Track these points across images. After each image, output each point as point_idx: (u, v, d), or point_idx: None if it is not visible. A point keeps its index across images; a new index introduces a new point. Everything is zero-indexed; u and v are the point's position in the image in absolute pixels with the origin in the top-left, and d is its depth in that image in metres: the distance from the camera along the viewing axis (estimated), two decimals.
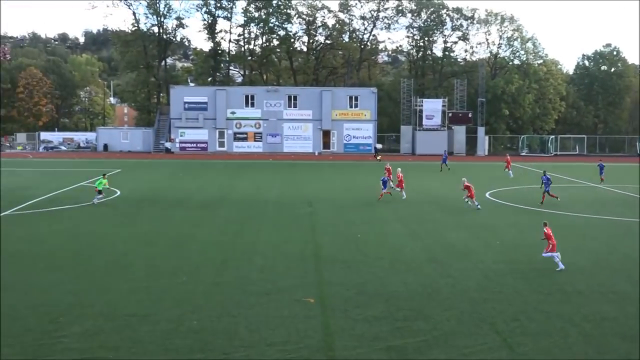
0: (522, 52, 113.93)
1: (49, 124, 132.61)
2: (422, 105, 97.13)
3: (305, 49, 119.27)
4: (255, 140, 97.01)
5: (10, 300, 20.79)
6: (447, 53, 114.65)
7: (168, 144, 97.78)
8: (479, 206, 39.99)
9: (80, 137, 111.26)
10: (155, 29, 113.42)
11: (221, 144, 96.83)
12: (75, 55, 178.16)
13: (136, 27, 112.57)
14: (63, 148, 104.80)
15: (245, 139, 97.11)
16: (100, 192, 41.52)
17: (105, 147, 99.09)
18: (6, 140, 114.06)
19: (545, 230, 25.49)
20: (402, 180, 45.36)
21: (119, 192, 47.41)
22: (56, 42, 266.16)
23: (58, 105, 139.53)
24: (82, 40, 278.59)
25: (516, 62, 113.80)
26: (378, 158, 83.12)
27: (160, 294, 21.55)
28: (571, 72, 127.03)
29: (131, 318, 19.12)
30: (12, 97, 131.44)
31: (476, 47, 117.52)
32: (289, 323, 18.78)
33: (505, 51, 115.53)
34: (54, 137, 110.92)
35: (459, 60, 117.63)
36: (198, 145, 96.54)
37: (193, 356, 16.34)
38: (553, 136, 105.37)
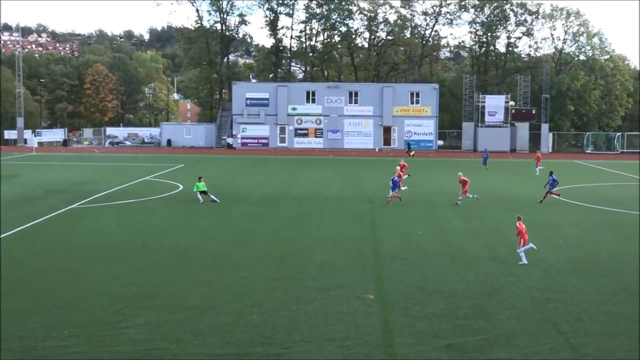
0: (588, 47, 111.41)
1: (114, 119, 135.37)
2: (484, 102, 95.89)
3: (366, 45, 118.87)
4: (315, 136, 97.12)
5: (77, 291, 21.32)
6: (510, 49, 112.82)
7: (230, 140, 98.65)
8: (477, 197, 40.29)
9: (144, 132, 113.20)
10: (218, 26, 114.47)
11: (282, 140, 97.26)
12: (140, 52, 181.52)
13: (199, 24, 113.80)
14: (128, 143, 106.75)
15: (306, 135, 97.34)
16: (205, 192, 41.10)
17: (169, 142, 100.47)
18: (74, 135, 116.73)
19: (518, 225, 25.84)
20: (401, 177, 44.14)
21: (181, 187, 48.10)
22: (122, 39, 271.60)
23: (123, 101, 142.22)
24: (146, 37, 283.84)
25: (582, 57, 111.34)
26: (411, 154, 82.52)
27: (221, 288, 21.81)
28: (639, 67, 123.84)
29: (193, 311, 19.40)
30: (79, 93, 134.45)
31: (540, 42, 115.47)
32: (348, 319, 18.80)
33: (571, 47, 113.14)
34: (119, 132, 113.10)
35: (522, 56, 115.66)
36: (259, 141, 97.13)
37: (253, 350, 16.49)
38: (619, 133, 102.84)
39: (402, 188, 43.11)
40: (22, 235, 30.74)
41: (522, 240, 25.62)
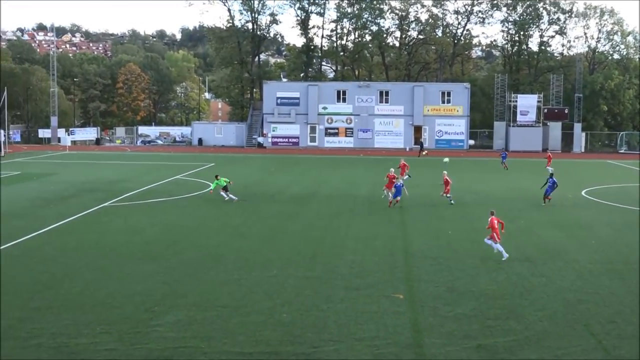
0: (622, 46, 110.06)
1: (146, 118, 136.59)
2: (516, 101, 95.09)
3: (397, 44, 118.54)
4: (346, 136, 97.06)
5: (108, 289, 21.52)
6: (543, 47, 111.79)
7: (260, 139, 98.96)
8: (452, 202, 39.65)
9: (176, 131, 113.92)
10: (250, 25, 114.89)
11: (312, 139, 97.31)
12: (172, 52, 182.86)
13: (231, 24, 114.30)
14: (159, 142, 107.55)
15: (336, 134, 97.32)
16: (225, 188, 41.22)
17: (200, 141, 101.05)
18: (106, 134, 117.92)
19: (490, 220, 26.47)
20: (393, 178, 41.39)
21: (212, 186, 48.31)
22: (154, 39, 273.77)
23: (155, 100, 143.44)
24: (179, 36, 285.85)
25: (616, 56, 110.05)
26: (424, 153, 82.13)
27: (251, 287, 21.88)
28: None
29: (223, 309, 19.49)
30: (112, 93, 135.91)
31: (574, 41, 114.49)
32: (377, 318, 18.77)
33: (605, 45, 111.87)
34: (151, 131, 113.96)
35: (555, 55, 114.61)
36: (290, 140, 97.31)
37: (282, 349, 16.53)
38: None
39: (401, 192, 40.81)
40: (55, 233, 31.11)
41: (494, 234, 26.05)
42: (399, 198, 38.17)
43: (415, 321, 18.58)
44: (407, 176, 48.70)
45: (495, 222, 26.37)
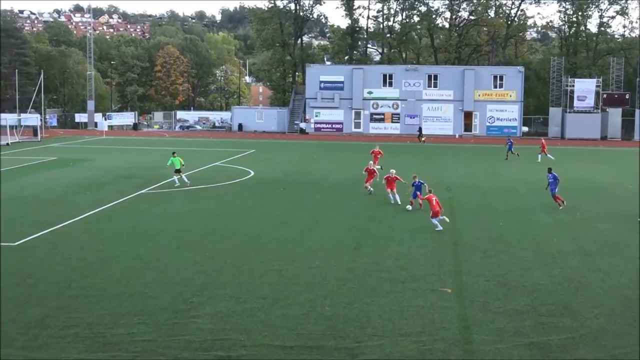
0: None
1: (184, 102, 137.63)
2: (573, 86, 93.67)
3: (447, 26, 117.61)
4: (392, 122, 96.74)
5: (146, 278, 21.79)
6: (602, 29, 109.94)
7: (302, 125, 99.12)
8: (395, 202, 36.64)
9: (215, 116, 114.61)
10: (292, 6, 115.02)
11: (357, 125, 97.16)
12: (211, 34, 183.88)
13: (273, 4, 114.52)
14: (198, 127, 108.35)
15: (382, 120, 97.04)
16: (178, 171, 41.76)
17: (240, 126, 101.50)
18: (144, 118, 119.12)
19: (428, 198, 29.60)
20: (373, 172, 40.07)
21: (252, 173, 48.64)
22: (193, 20, 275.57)
23: (194, 84, 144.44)
24: (218, 18, 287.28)
25: None
26: (422, 140, 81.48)
27: (292, 278, 21.97)
28: None
29: (263, 301, 19.60)
30: (150, 76, 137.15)
31: (636, 22, 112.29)
32: (424, 313, 18.71)
33: None
34: (190, 116, 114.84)
35: (616, 36, 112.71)
36: (333, 126, 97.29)
37: (324, 343, 16.57)
38: None
39: (369, 187, 39.38)
40: (91, 220, 31.57)
41: (432, 211, 29.20)
42: (416, 199, 34.29)
43: (464, 316, 18.49)
44: (376, 167, 45.28)
45: (434, 199, 29.34)
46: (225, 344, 16.43)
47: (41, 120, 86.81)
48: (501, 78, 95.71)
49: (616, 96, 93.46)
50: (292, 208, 35.12)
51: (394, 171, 36.88)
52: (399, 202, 35.71)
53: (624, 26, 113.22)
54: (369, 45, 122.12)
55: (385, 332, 17.27)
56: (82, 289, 20.59)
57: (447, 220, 29.85)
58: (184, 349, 16.06)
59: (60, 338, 16.67)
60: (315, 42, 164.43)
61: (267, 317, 18.30)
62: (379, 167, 45.96)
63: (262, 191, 40.59)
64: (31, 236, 27.65)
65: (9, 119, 78.63)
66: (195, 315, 18.40)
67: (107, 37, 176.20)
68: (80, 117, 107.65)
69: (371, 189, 39.16)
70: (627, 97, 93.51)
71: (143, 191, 40.11)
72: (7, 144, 70.68)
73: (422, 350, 16.20)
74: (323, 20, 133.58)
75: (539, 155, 59.20)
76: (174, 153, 42.98)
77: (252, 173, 48.83)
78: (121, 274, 22.26)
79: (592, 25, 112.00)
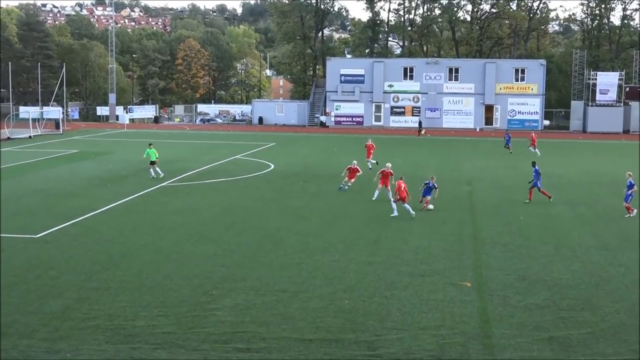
0: None
1: (205, 96, 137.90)
2: (595, 79, 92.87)
3: (468, 19, 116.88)
4: (412, 115, 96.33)
5: (166, 270, 21.92)
6: (626, 22, 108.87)
7: (323, 118, 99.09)
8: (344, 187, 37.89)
9: (235, 109, 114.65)
10: None
11: (377, 118, 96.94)
12: (232, 27, 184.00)
13: None
14: (219, 120, 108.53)
15: (402, 114, 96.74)
16: (153, 162, 42.36)
17: (260, 120, 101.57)
18: (165, 112, 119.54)
19: (397, 183, 30.29)
20: (356, 171, 38.13)
21: (272, 166, 48.72)
22: (214, 14, 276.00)
23: (215, 77, 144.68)
24: (239, 11, 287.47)
25: None
26: (422, 132, 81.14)
27: (312, 271, 22.01)
28: None
29: (282, 294, 19.66)
30: (171, 69, 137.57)
31: None
32: (443, 307, 18.70)
33: None
34: (210, 109, 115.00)
35: (639, 29, 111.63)
36: (353, 119, 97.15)
37: (344, 336, 16.60)
38: None
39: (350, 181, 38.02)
40: (112, 213, 31.79)
41: (397, 193, 30.21)
42: (428, 198, 32.73)
43: (484, 310, 18.45)
44: (371, 162, 46.12)
45: (402, 185, 30.03)
46: (244, 336, 16.50)
47: (63, 113, 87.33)
48: (523, 71, 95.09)
49: (639, 89, 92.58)
50: (311, 201, 35.18)
51: (390, 165, 36.43)
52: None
53: None
54: (389, 39, 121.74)
55: (405, 326, 17.27)
56: (103, 281, 20.75)
57: (432, 207, 31.86)
58: (204, 341, 16.16)
59: (81, 330, 16.81)
60: (336, 35, 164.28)
61: (287, 310, 18.35)
62: (375, 161, 45.87)
63: (282, 184, 40.66)
64: (53, 228, 27.90)
65: (32, 112, 79.26)
66: (215, 307, 18.49)
67: (129, 30, 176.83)
68: (101, 110, 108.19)
69: (346, 187, 38.15)
70: None
71: (164, 184, 40.30)
72: (30, 136, 71.25)
73: (441, 344, 16.19)
74: (344, 13, 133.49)
75: (530, 149, 58.78)
76: (150, 144, 43.73)
77: (272, 166, 48.91)
78: (142, 267, 22.41)
79: (615, 18, 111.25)
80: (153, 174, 42.06)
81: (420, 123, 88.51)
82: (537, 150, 58.02)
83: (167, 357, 15.23)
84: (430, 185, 32.52)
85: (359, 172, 38.20)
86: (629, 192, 31.37)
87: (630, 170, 34.50)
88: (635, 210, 31.11)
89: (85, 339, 16.27)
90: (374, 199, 35.11)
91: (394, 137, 79.30)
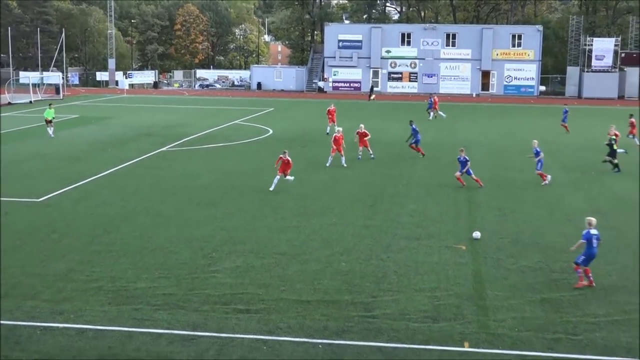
0: None
1: (204, 61, 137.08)
2: (591, 45, 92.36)
3: None
4: (410, 81, 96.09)
5: (167, 234, 22.06)
6: None
7: (321, 83, 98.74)
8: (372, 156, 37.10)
9: (234, 75, 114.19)
10: None
11: (375, 84, 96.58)
12: None
13: None
14: (217, 86, 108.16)
15: (399, 79, 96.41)
16: (50, 121, 44.56)
17: (259, 85, 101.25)
18: (164, 77, 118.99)
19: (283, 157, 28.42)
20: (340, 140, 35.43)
21: (271, 131, 48.71)
22: None
23: (213, 43, 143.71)
24: None
25: None
26: (372, 98, 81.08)
27: (310, 234, 22.16)
28: None
29: (281, 257, 19.81)
30: (170, 35, 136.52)
31: None
32: (438, 269, 18.87)
33: None
34: (209, 74, 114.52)
35: None
36: (351, 85, 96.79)
37: (341, 297, 16.78)
38: None
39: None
40: (113, 177, 31.86)
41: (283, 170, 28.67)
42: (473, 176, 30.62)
43: (478, 273, 18.62)
44: (335, 126, 44.07)
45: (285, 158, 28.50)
46: (244, 297, 16.67)
47: (63, 78, 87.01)
48: (519, 37, 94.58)
49: (634, 55, 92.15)
50: (310, 166, 35.21)
51: (363, 126, 37.08)
52: (373, 157, 36.48)
53: None
54: (387, 4, 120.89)
55: (400, 288, 17.44)
56: (105, 244, 20.89)
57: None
58: (204, 303, 16.33)
59: (84, 291, 16.98)
60: (334, 1, 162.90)
61: (285, 272, 18.51)
62: (339, 128, 44.54)
63: (280, 149, 40.48)
64: (55, 192, 28.00)
65: (32, 77, 78.88)
66: (214, 270, 18.65)
67: None
68: (101, 76, 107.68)
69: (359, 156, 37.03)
70: None
71: (163, 149, 40.33)
72: (30, 101, 71.02)
73: (436, 305, 16.38)
74: None
75: (432, 112, 59.47)
76: (50, 105, 46.27)
77: (271, 131, 48.89)
78: (143, 230, 22.55)
79: None
80: (51, 133, 44.42)
81: (372, 88, 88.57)
82: (441, 113, 59.77)
83: (168, 318, 15.41)
84: (462, 159, 30.58)
85: (367, 135, 37.17)
86: (537, 159, 31.25)
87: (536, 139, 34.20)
88: (549, 177, 31.02)
89: (88, 300, 16.44)
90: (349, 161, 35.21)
91: (391, 103, 79.16)
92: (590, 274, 17.72)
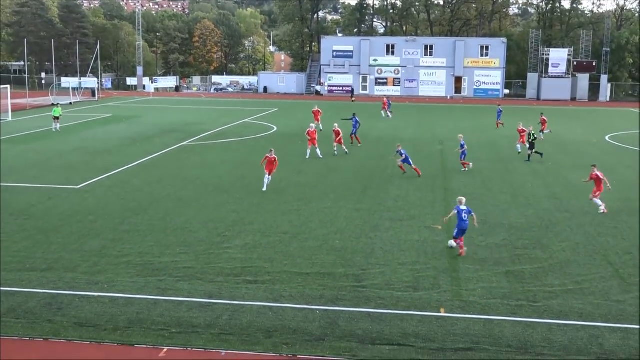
0: None
1: (218, 68, 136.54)
2: (548, 54, 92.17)
3: (442, 3, 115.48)
4: (394, 85, 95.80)
5: (186, 216, 21.97)
6: (575, 5, 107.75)
7: (318, 87, 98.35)
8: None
9: (244, 80, 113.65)
10: None
11: (364, 88, 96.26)
12: (241, 9, 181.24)
13: None
14: (230, 89, 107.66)
15: (385, 84, 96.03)
16: (57, 118, 45.23)
17: (265, 89, 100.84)
18: (184, 82, 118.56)
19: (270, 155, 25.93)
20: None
21: (275, 128, 48.50)
22: None
23: (226, 53, 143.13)
24: None
25: None
26: (352, 99, 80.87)
27: (308, 216, 22.08)
28: None
29: (284, 235, 19.74)
30: (189, 46, 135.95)
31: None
32: (418, 246, 18.81)
33: (633, 3, 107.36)
34: (223, 80, 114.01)
35: (586, 12, 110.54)
36: (344, 88, 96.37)
37: (335, 270, 16.72)
38: None
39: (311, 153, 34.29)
40: (141, 167, 31.73)
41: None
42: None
43: (452, 249, 18.55)
44: (319, 124, 43.80)
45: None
46: (252, 270, 16.61)
47: (98, 83, 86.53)
48: (487, 48, 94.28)
49: (585, 63, 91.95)
50: (308, 158, 35.04)
51: (337, 124, 36.88)
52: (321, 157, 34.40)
53: (593, 3, 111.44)
54: (374, 20, 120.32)
55: (386, 262, 17.39)
56: (134, 224, 20.80)
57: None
58: (219, 274, 16.26)
59: (116, 265, 16.91)
60: (329, 17, 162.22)
61: (287, 249, 18.44)
62: (320, 128, 44.00)
63: (283, 143, 40.51)
64: (91, 180, 27.88)
65: (72, 82, 78.46)
66: (227, 246, 18.57)
67: (153, 12, 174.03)
68: (130, 81, 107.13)
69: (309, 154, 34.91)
70: (594, 64, 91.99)
71: (184, 143, 40.15)
72: (70, 103, 70.66)
73: (416, 277, 16.32)
74: None
75: (382, 112, 59.06)
76: (57, 104, 48.14)
77: (275, 128, 48.70)
78: (166, 212, 22.45)
79: (566, 2, 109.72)
80: (57, 127, 45.05)
81: (352, 90, 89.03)
82: (389, 113, 58.81)
83: (188, 288, 15.35)
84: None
85: (340, 134, 36.15)
86: (462, 150, 31.54)
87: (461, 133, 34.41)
88: (471, 164, 31.40)
89: (119, 272, 16.37)
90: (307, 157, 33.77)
91: (377, 105, 78.97)
92: (462, 243, 18.14)
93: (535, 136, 35.39)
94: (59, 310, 14.01)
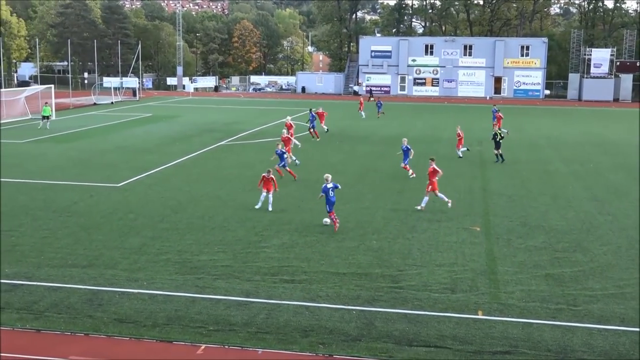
0: None
1: (257, 68, 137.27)
2: (590, 55, 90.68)
3: (481, 2, 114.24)
4: (432, 85, 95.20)
5: (225, 215, 22.12)
6: (618, 4, 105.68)
7: (356, 87, 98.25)
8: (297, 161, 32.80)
9: (282, 80, 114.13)
10: None
11: (402, 88, 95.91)
12: (280, 10, 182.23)
13: None
14: (268, 89, 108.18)
15: (423, 84, 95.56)
16: (47, 117, 45.97)
17: (303, 89, 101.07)
18: (223, 82, 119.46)
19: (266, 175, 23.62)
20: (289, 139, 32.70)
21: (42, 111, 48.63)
22: None
23: (265, 53, 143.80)
24: None
25: None
26: (372, 99, 79.81)
27: (346, 216, 22.03)
28: None
29: (321, 235, 19.75)
30: (228, 46, 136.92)
31: None
32: (456, 248, 18.66)
33: None
34: (261, 80, 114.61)
35: (630, 11, 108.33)
36: (382, 88, 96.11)
37: (372, 270, 16.68)
38: None
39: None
40: (180, 166, 32.06)
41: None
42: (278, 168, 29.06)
43: (490, 251, 18.38)
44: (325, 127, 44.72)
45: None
46: (289, 270, 16.65)
47: (139, 83, 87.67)
48: (527, 48, 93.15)
49: (628, 64, 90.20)
50: (346, 158, 35.09)
51: (321, 108, 38.32)
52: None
53: (637, 2, 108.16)
54: (413, 20, 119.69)
55: (423, 263, 17.29)
56: (173, 222, 21.03)
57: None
58: (256, 273, 16.34)
59: (155, 262, 17.11)
60: (368, 17, 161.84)
61: (324, 249, 18.45)
62: (326, 129, 45.02)
63: (321, 143, 40.58)
64: (131, 179, 28.26)
65: (113, 82, 79.68)
66: (265, 245, 18.66)
67: (193, 13, 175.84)
68: (170, 81, 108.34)
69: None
70: (637, 64, 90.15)
71: (222, 143, 40.47)
72: (112, 102, 71.79)
73: (454, 278, 16.20)
74: None
75: (362, 113, 58.44)
76: (46, 103, 47.93)
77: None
78: (204, 211, 22.64)
79: (609, 1, 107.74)
80: (46, 125, 45.54)
81: (370, 91, 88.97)
82: (362, 112, 58.37)
83: (226, 286, 15.45)
84: (280, 152, 29.12)
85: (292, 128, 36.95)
86: (405, 154, 29.98)
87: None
88: (411, 171, 29.32)
89: (158, 270, 16.56)
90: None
91: (416, 104, 78.53)
92: (335, 217, 20.08)
93: (502, 135, 34.56)
94: (99, 306, 14.24)
